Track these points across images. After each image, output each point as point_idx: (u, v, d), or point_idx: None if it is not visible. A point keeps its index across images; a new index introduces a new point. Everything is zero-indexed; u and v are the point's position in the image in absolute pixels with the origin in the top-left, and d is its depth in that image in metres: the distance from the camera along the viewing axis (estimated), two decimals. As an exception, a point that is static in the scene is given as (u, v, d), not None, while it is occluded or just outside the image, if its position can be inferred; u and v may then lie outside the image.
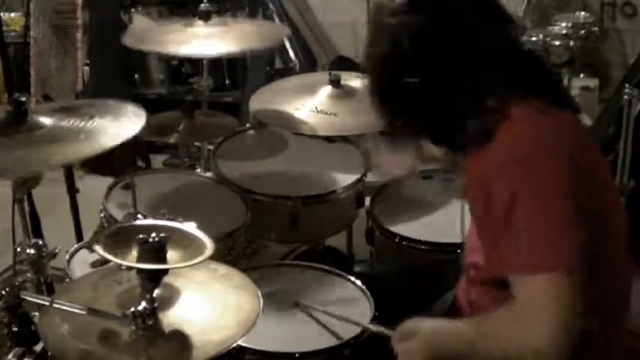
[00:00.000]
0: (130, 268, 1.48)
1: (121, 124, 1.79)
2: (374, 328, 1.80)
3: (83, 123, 1.76)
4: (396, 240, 2.31)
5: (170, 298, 1.56)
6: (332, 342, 1.86)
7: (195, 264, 1.48)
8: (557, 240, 1.34)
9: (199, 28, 2.57)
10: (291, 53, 4.20)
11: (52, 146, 1.69)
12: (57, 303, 1.51)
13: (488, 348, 1.39)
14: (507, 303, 1.37)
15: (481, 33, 1.47)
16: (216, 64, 3.91)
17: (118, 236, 1.52)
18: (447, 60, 1.47)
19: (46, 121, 1.76)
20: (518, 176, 1.39)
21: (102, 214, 2.31)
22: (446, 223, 2.40)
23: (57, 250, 2.03)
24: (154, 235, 1.45)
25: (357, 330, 1.89)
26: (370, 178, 2.64)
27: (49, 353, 1.60)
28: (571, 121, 1.50)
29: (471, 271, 1.64)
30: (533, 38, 3.51)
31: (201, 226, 1.58)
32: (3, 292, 1.59)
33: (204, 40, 2.55)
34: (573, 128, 1.50)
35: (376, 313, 1.93)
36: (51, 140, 1.70)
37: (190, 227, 1.57)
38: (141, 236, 1.45)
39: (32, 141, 1.70)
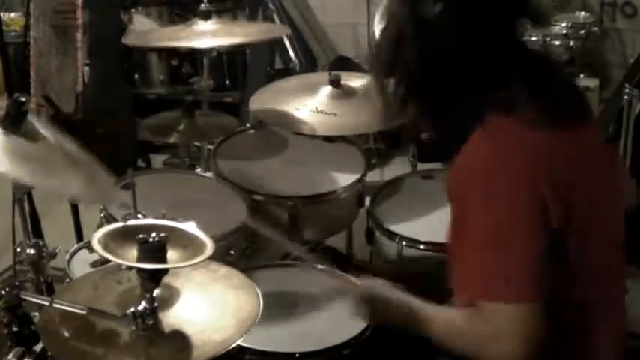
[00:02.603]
0: (130, 268, 1.48)
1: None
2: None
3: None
4: (396, 240, 2.31)
5: (170, 298, 1.56)
6: (332, 342, 1.86)
7: (195, 264, 1.48)
8: (518, 270, 1.40)
9: (200, 26, 2.57)
10: (291, 53, 4.20)
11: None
12: (57, 303, 1.51)
13: (453, 345, 1.50)
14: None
15: (491, 32, 1.46)
16: (216, 64, 3.92)
17: (118, 236, 1.52)
18: (450, 52, 1.45)
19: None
20: (474, 199, 1.44)
21: (102, 214, 2.31)
22: (446, 223, 2.39)
23: (57, 250, 2.03)
24: (153, 235, 1.45)
25: (357, 330, 1.89)
26: (370, 178, 2.64)
27: (49, 353, 1.59)
28: (558, 134, 1.46)
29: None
30: (533, 38, 3.52)
31: (201, 226, 1.58)
32: (3, 292, 1.59)
33: (205, 35, 2.55)
34: (555, 142, 1.46)
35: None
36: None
37: (190, 227, 1.57)
38: (141, 236, 1.45)
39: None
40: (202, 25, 2.56)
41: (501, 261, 1.41)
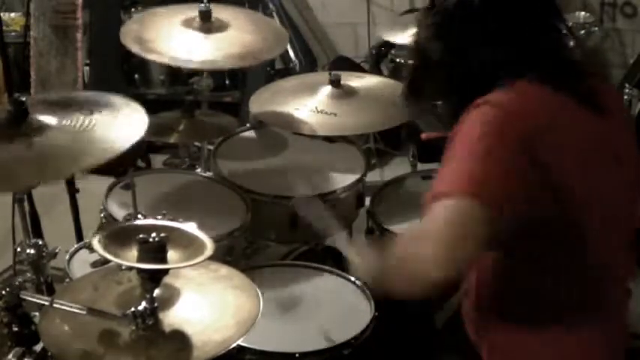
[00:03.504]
0: (130, 268, 1.48)
1: (122, 125, 1.76)
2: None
3: (83, 120, 1.74)
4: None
5: (170, 298, 1.56)
6: (332, 342, 1.86)
7: (196, 264, 1.48)
8: (463, 170, 1.36)
9: (198, 32, 2.55)
10: (291, 53, 4.19)
11: (53, 156, 1.68)
12: (57, 303, 1.51)
13: (400, 271, 1.41)
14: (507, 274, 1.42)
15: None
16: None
17: (118, 236, 1.52)
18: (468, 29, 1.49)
19: (46, 121, 1.75)
20: (479, 117, 1.42)
21: (102, 214, 2.31)
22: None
23: (57, 250, 2.03)
24: (154, 235, 1.45)
25: (357, 330, 1.89)
26: (370, 178, 2.64)
27: (49, 353, 1.59)
28: (554, 98, 1.48)
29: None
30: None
31: (201, 226, 1.58)
32: (3, 292, 1.59)
33: (203, 50, 2.53)
34: (549, 102, 1.48)
35: (376, 313, 1.93)
36: (52, 149, 1.69)
37: (190, 227, 1.57)
38: (141, 236, 1.45)
39: (33, 149, 1.68)
40: (200, 32, 2.54)
41: (463, 167, 1.37)
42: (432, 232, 1.32)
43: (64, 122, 1.73)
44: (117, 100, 1.84)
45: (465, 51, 1.50)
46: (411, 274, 1.35)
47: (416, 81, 1.61)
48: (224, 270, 1.71)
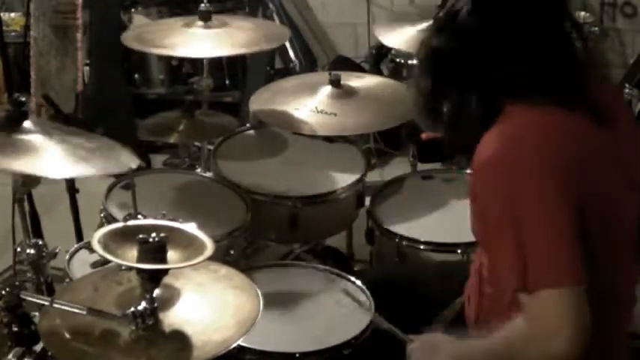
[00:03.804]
0: (130, 269, 1.48)
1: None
2: (385, 325, 1.79)
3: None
4: (396, 240, 2.31)
5: (170, 298, 1.56)
6: (332, 342, 1.86)
7: (196, 264, 1.47)
8: (559, 253, 1.37)
9: (199, 28, 2.57)
10: (291, 53, 4.19)
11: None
12: (57, 303, 1.51)
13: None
14: (519, 314, 1.40)
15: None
16: (216, 64, 3.91)
17: (118, 236, 1.52)
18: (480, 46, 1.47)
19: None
20: (507, 183, 1.40)
21: (102, 214, 2.31)
22: (446, 223, 2.40)
23: (57, 250, 2.03)
24: (154, 235, 1.45)
25: (357, 330, 1.89)
26: (370, 178, 2.64)
27: (49, 353, 1.59)
28: (573, 121, 1.46)
29: (482, 270, 1.63)
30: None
31: (201, 226, 1.58)
32: (3, 292, 1.59)
33: (204, 42, 2.55)
34: (572, 128, 1.46)
35: (376, 313, 1.93)
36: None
37: (190, 227, 1.57)
38: (141, 236, 1.45)
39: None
40: (201, 29, 2.55)
41: (538, 246, 1.38)
42: (555, 325, 1.36)
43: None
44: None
45: (476, 72, 1.48)
46: None
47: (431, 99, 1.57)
48: (224, 270, 1.71)
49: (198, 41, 2.54)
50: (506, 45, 1.45)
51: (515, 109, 1.46)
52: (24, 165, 1.64)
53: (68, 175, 1.71)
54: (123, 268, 1.48)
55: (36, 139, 1.70)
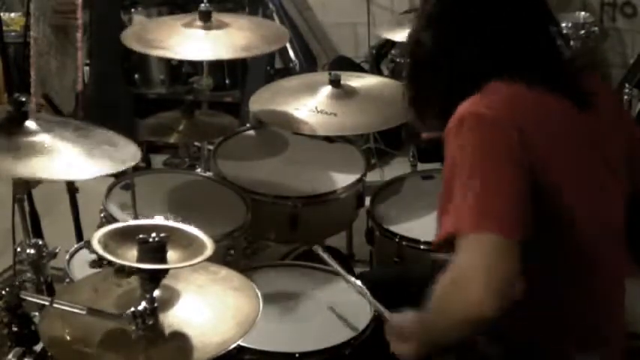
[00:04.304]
0: (124, 273, 1.48)
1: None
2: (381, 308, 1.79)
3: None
4: (396, 240, 2.31)
5: (170, 299, 1.56)
6: (332, 342, 1.86)
7: (196, 264, 1.48)
8: (491, 202, 1.36)
9: (199, 29, 2.56)
10: (291, 53, 4.19)
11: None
12: (57, 303, 1.51)
13: (442, 322, 1.41)
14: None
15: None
16: (216, 64, 3.91)
17: (118, 236, 1.52)
18: (458, 29, 1.52)
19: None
20: (460, 138, 1.43)
21: (102, 214, 2.31)
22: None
23: (57, 250, 2.03)
24: (154, 235, 1.45)
25: (357, 330, 1.89)
26: (370, 178, 2.64)
27: (49, 353, 1.59)
28: (549, 98, 1.50)
29: None
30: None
31: (201, 226, 1.58)
32: (3, 292, 1.59)
33: (204, 44, 2.55)
34: (543, 102, 1.49)
35: (376, 313, 1.93)
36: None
37: (190, 227, 1.57)
38: (141, 236, 1.45)
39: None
40: (201, 29, 2.55)
41: (473, 193, 1.37)
42: (472, 272, 1.32)
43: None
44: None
45: (452, 49, 1.52)
46: (461, 319, 1.35)
47: (412, 80, 1.62)
48: (224, 272, 1.71)
49: (198, 44, 2.53)
50: (487, 25, 1.51)
51: (493, 85, 1.49)
52: (32, 169, 1.63)
53: (79, 176, 1.70)
54: (118, 274, 1.48)
55: (40, 139, 1.70)
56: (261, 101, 2.64)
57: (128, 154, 1.81)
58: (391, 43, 3.79)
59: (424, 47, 1.55)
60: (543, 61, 1.53)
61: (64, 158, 1.69)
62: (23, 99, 1.73)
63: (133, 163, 1.79)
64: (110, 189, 2.39)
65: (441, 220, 1.45)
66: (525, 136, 1.42)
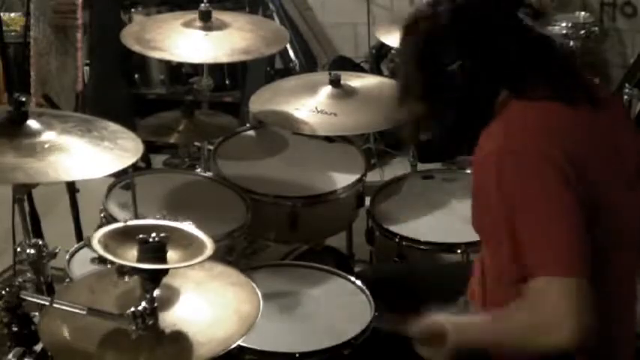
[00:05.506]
0: (123, 273, 1.48)
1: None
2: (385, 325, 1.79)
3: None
4: (396, 240, 2.31)
5: (170, 298, 1.56)
6: (332, 342, 1.86)
7: (196, 264, 1.47)
8: (563, 242, 1.37)
9: (198, 30, 2.56)
10: (291, 53, 4.19)
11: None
12: (57, 303, 1.51)
13: (512, 343, 1.44)
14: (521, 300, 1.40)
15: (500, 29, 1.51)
16: (216, 64, 3.91)
17: (118, 236, 1.52)
18: (469, 51, 1.51)
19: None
20: (509, 173, 1.41)
21: (102, 214, 2.31)
22: (446, 223, 2.40)
23: (57, 250, 2.02)
24: (154, 235, 1.45)
25: (357, 330, 1.89)
26: (370, 178, 2.64)
27: (49, 353, 1.59)
28: (573, 113, 1.49)
29: (485, 267, 1.64)
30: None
31: (201, 226, 1.58)
32: (3, 292, 1.59)
33: (204, 46, 2.54)
34: (571, 122, 1.49)
35: (376, 314, 1.93)
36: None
37: (190, 227, 1.57)
38: (141, 236, 1.45)
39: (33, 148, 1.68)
40: (200, 30, 2.55)
41: (544, 237, 1.38)
42: (559, 319, 1.36)
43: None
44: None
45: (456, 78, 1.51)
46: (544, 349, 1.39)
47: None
48: (219, 268, 1.71)
49: (198, 45, 2.53)
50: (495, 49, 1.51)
51: (513, 104, 1.48)
52: (33, 172, 1.63)
53: (82, 176, 1.69)
54: (119, 274, 1.48)
55: (42, 140, 1.70)
56: (261, 101, 2.64)
57: (130, 148, 1.80)
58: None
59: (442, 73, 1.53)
60: (554, 70, 1.53)
61: (66, 159, 1.68)
62: (23, 99, 1.73)
63: (136, 158, 1.78)
64: (110, 189, 2.39)
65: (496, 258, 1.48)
66: (570, 157, 1.41)
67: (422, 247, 2.28)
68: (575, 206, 1.39)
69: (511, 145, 1.43)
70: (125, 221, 1.57)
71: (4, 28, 2.91)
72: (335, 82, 2.58)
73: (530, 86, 1.49)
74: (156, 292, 1.47)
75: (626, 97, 2.74)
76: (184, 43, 2.53)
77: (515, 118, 1.47)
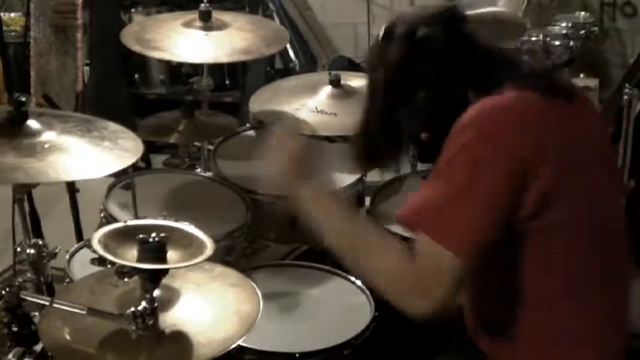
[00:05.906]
0: (125, 273, 1.48)
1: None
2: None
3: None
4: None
5: (170, 298, 1.56)
6: (332, 342, 1.86)
7: (196, 264, 1.48)
8: (470, 228, 1.43)
9: (198, 30, 2.56)
10: (291, 53, 4.20)
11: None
12: (57, 303, 1.51)
13: (366, 267, 1.55)
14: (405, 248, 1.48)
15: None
16: (216, 64, 3.91)
17: (118, 236, 1.52)
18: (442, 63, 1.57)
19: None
20: (466, 139, 1.46)
21: (102, 214, 2.31)
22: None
23: (57, 250, 2.02)
24: (154, 235, 1.45)
25: (357, 330, 1.89)
26: (370, 178, 2.64)
27: (49, 353, 1.59)
28: (547, 104, 1.52)
29: None
30: (533, 38, 3.51)
31: (201, 226, 1.58)
32: (3, 292, 1.59)
33: (204, 46, 2.55)
34: (547, 109, 1.51)
35: (376, 313, 1.93)
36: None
37: (190, 227, 1.57)
38: (141, 236, 1.45)
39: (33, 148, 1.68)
40: (200, 30, 2.55)
41: (457, 207, 1.43)
42: (437, 279, 1.43)
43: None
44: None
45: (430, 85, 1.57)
46: (393, 300, 1.48)
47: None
48: (219, 269, 1.71)
49: (198, 45, 2.53)
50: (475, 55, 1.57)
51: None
52: (34, 172, 1.63)
53: (84, 177, 1.69)
54: (119, 274, 1.48)
55: (42, 140, 1.70)
56: (261, 101, 2.64)
57: (130, 148, 1.80)
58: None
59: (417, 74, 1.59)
60: (523, 70, 1.58)
61: (66, 159, 1.68)
62: (23, 99, 1.73)
63: (136, 158, 1.78)
64: (110, 189, 2.39)
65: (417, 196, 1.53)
66: (542, 145, 1.44)
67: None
68: (503, 201, 1.43)
69: (479, 122, 1.47)
70: (125, 221, 1.57)
71: (4, 28, 2.91)
72: (335, 82, 2.58)
73: (500, 84, 1.53)
74: (156, 293, 1.48)
75: (626, 97, 2.73)
76: (184, 43, 2.53)
77: (490, 100, 1.50)
